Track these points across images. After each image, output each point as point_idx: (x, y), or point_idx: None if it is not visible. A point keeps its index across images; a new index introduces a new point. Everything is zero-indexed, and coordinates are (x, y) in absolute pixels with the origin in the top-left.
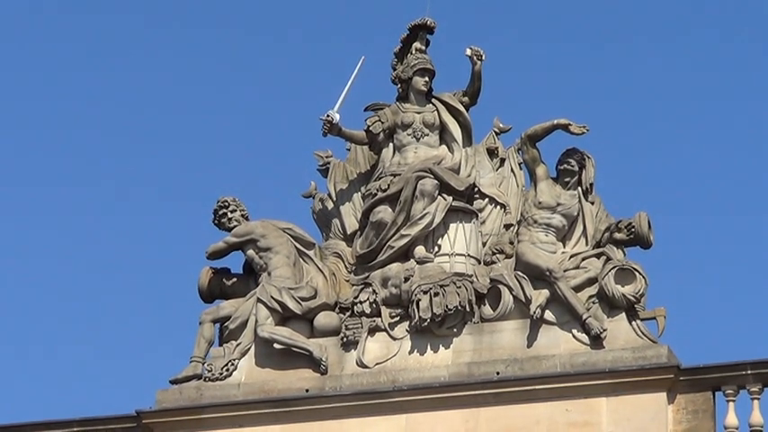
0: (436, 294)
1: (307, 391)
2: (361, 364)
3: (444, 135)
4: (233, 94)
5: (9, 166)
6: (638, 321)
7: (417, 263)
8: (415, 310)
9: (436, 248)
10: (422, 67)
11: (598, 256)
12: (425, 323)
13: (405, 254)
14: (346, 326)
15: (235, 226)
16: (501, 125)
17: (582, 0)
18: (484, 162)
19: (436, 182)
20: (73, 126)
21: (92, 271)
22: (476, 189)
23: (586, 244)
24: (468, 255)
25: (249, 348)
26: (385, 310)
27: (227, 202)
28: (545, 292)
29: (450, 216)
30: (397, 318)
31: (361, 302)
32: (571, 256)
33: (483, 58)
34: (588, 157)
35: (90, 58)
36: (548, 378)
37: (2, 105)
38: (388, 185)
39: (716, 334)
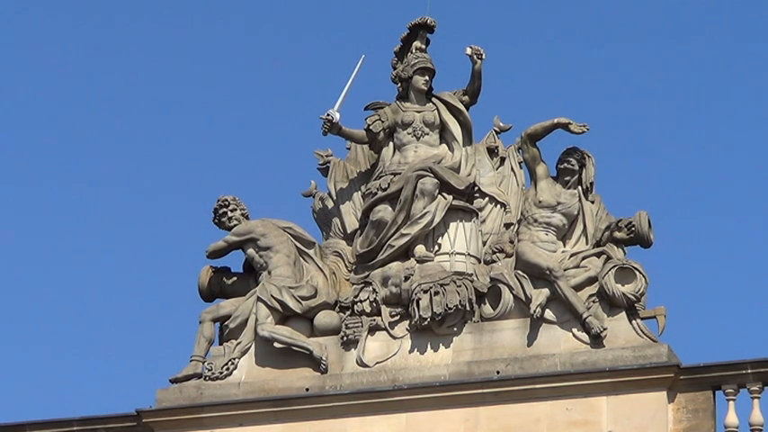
0: (436, 293)
1: (307, 390)
2: (361, 363)
3: (444, 134)
4: (233, 94)
5: (9, 166)
6: (639, 320)
7: (417, 262)
8: (416, 309)
9: (436, 247)
10: (422, 65)
11: (598, 255)
12: (425, 322)
13: (405, 253)
14: (346, 325)
15: (235, 225)
16: (501, 124)
17: (581, 0)
18: (484, 161)
19: (436, 181)
20: (73, 126)
21: (92, 271)
22: (476, 188)
23: (586, 243)
24: (469, 254)
25: (249, 347)
26: (385, 309)
27: (227, 201)
28: (545, 291)
29: (450, 215)
30: (398, 317)
31: (361, 301)
32: (571, 255)
33: (483, 57)
34: (588, 156)
35: (90, 58)
36: (548, 377)
37: (2, 105)
38: (389, 184)
39: (716, 333)
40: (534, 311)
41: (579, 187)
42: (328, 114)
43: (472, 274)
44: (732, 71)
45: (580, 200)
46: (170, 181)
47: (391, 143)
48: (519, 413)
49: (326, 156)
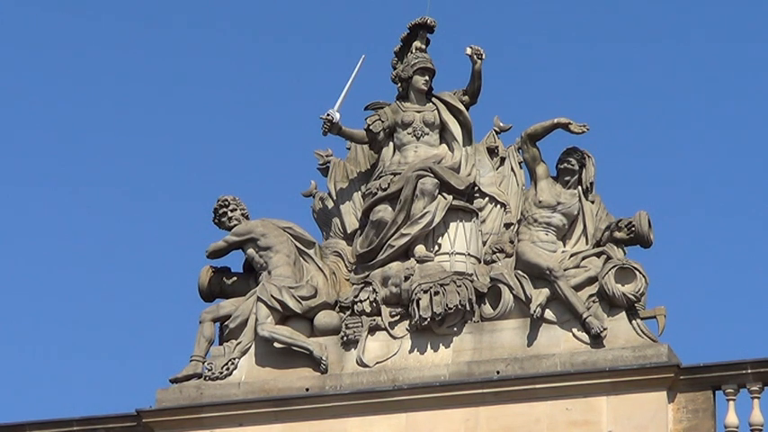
0: (436, 293)
1: (307, 390)
2: (361, 363)
3: (444, 134)
4: (233, 94)
5: (9, 167)
6: (639, 320)
7: (417, 262)
8: (416, 309)
9: (436, 247)
10: (422, 65)
11: (598, 255)
12: (425, 322)
13: (405, 253)
14: (346, 325)
15: (235, 225)
16: (501, 124)
17: (581, 0)
18: (484, 161)
19: (436, 181)
20: (73, 126)
21: (92, 270)
22: (476, 188)
23: (586, 243)
24: (469, 254)
25: (249, 347)
26: (385, 309)
27: (227, 201)
28: (545, 291)
29: (450, 215)
30: (398, 317)
31: (361, 301)
32: (571, 255)
33: (483, 56)
34: (588, 156)
35: (90, 58)
36: (548, 377)
37: (2, 106)
38: (389, 184)
39: (716, 333)
40: (534, 311)
41: (579, 187)
42: (328, 114)
43: (472, 274)
44: (732, 71)
45: (580, 200)
46: (170, 181)
47: (391, 143)
48: (519, 413)
49: (326, 156)
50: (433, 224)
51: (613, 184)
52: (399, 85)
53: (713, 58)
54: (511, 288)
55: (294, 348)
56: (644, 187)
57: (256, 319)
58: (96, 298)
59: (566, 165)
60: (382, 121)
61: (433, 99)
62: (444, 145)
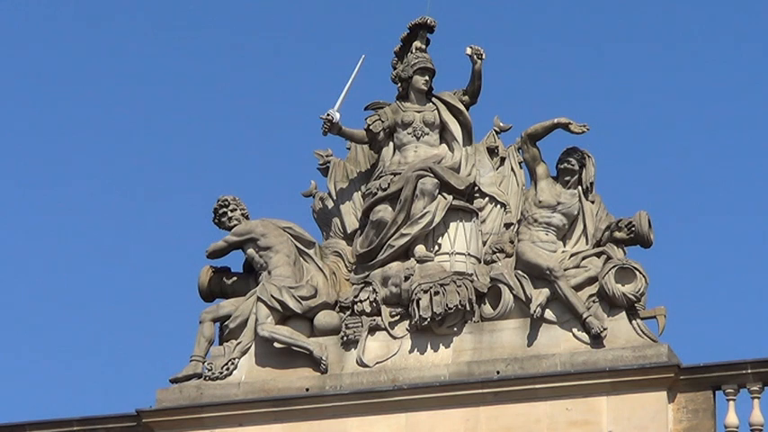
0: (436, 293)
1: (307, 390)
2: (361, 363)
3: (444, 134)
4: (233, 94)
5: (9, 167)
6: (639, 320)
7: (417, 262)
8: (416, 309)
9: (436, 247)
10: (422, 65)
11: (598, 254)
12: (426, 322)
13: (405, 253)
14: (346, 325)
15: (235, 225)
16: (501, 124)
17: (582, 0)
18: (484, 161)
19: (436, 181)
20: (73, 126)
21: (92, 270)
22: (476, 188)
23: (587, 243)
24: (469, 254)
25: (249, 347)
26: (385, 309)
27: (227, 201)
28: (545, 291)
29: (450, 215)
30: (398, 317)
31: (361, 301)
32: (571, 255)
33: (483, 56)
34: (588, 156)
35: (91, 58)
36: (548, 377)
37: (2, 106)
38: (389, 184)
39: (716, 333)
40: (534, 311)
41: (579, 187)
42: (328, 114)
43: (472, 274)
44: (732, 71)
45: (580, 200)
46: (170, 181)
47: (391, 143)
48: (519, 413)
49: (326, 156)
50: (433, 224)
51: (613, 184)
52: (399, 85)
53: (713, 58)
54: (511, 288)
55: (294, 348)
56: (644, 187)
57: (256, 319)
58: (96, 298)
59: (566, 165)
60: (382, 121)
61: (433, 99)
62: (444, 145)
